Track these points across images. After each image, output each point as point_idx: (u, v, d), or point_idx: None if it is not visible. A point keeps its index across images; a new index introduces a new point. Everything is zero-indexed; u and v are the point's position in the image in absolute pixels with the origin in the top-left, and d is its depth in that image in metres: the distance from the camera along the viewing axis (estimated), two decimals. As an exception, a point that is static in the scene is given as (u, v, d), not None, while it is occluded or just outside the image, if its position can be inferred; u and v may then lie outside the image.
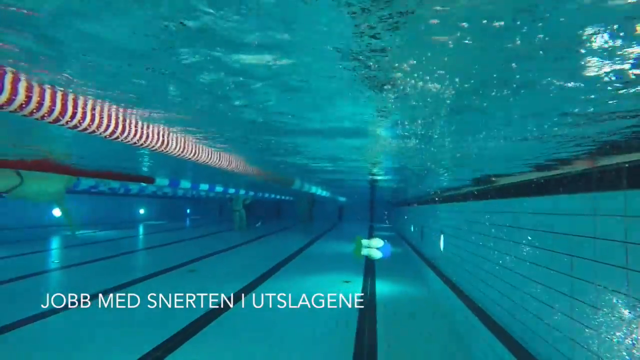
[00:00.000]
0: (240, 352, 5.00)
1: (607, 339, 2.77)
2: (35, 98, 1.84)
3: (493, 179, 5.48)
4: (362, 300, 7.63)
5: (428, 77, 1.71)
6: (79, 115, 2.12)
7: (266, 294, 8.08)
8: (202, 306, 6.80)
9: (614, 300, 2.71)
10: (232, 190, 15.61)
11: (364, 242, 10.00)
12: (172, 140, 3.09)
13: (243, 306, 7.08)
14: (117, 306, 6.79)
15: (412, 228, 16.31)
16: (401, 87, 1.87)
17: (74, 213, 22.69)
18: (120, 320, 6.11)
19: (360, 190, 15.59)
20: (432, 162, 4.81)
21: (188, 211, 38.50)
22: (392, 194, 17.47)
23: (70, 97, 2.09)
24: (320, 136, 3.20)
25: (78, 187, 15.36)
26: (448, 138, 3.18)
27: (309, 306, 7.10)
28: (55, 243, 16.42)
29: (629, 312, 2.55)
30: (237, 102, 2.19)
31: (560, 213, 3.61)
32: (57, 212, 22.68)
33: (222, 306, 6.98)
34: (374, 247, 9.69)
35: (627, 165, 2.74)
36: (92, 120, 2.23)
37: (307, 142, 3.41)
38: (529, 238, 4.20)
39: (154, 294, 6.84)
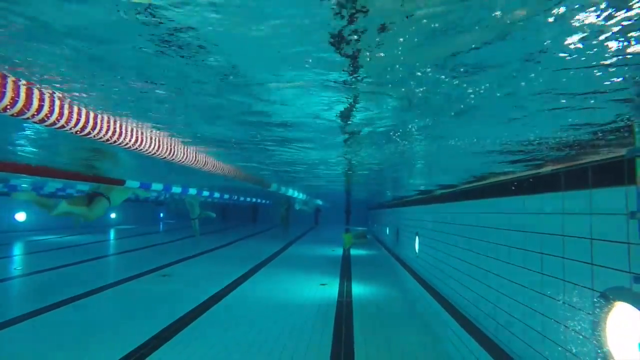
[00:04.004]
0: (217, 351, 4.88)
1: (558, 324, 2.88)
2: (-2, 89, 1.72)
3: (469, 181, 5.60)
4: (339, 302, 7.62)
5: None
6: (45, 109, 2.01)
7: (241, 296, 7.97)
8: (175, 316, 6.64)
9: (576, 293, 2.81)
10: (206, 193, 15.28)
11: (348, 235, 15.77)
12: (146, 138, 2.99)
13: (219, 308, 6.95)
14: (94, 308, 6.58)
15: (387, 230, 16.47)
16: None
17: (39, 217, 21.81)
18: (98, 321, 5.88)
19: (336, 193, 15.61)
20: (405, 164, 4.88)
21: (161, 215, 37.52)
22: (368, 197, 17.59)
23: (36, 89, 1.98)
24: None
25: (44, 191, 14.74)
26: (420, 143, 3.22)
27: (286, 308, 7.04)
28: (18, 249, 15.65)
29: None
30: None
31: (529, 212, 3.72)
32: (21, 216, 21.70)
33: (192, 316, 6.82)
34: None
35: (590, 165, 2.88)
36: (61, 114, 2.12)
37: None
38: (499, 236, 4.30)
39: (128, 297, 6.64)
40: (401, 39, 1.35)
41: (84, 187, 12.03)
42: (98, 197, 9.25)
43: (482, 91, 1.82)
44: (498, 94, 1.87)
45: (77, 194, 11.64)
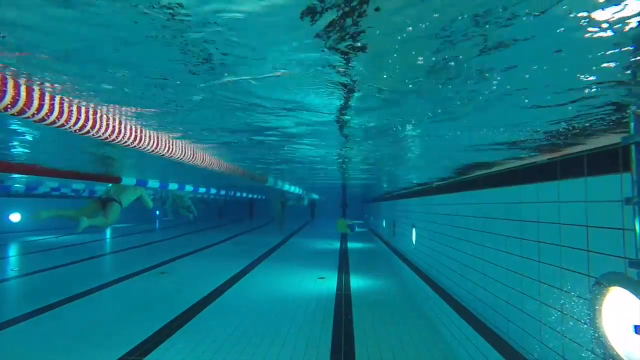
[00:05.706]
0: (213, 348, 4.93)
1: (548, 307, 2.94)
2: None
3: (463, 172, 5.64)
4: (337, 294, 7.68)
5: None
6: (45, 108, 2.01)
7: (241, 292, 8.01)
8: (174, 314, 6.66)
9: (572, 279, 2.87)
10: (202, 190, 15.26)
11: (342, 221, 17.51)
12: (145, 136, 2.99)
13: (219, 304, 6.99)
14: (94, 306, 6.59)
15: (384, 223, 16.55)
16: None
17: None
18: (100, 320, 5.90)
19: (332, 187, 15.64)
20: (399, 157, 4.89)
21: (157, 213, 37.31)
22: (364, 190, 17.65)
23: (36, 87, 1.98)
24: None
25: (39, 190, 14.63)
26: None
27: (286, 302, 7.09)
28: (14, 249, 15.56)
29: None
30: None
31: (525, 202, 3.76)
32: (15, 217, 21.55)
33: (189, 313, 6.85)
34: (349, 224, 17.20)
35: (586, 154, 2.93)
36: (60, 113, 2.12)
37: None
38: (495, 226, 4.36)
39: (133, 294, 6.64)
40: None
41: (80, 185, 11.99)
42: (110, 203, 9.33)
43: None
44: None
45: (92, 196, 11.71)
